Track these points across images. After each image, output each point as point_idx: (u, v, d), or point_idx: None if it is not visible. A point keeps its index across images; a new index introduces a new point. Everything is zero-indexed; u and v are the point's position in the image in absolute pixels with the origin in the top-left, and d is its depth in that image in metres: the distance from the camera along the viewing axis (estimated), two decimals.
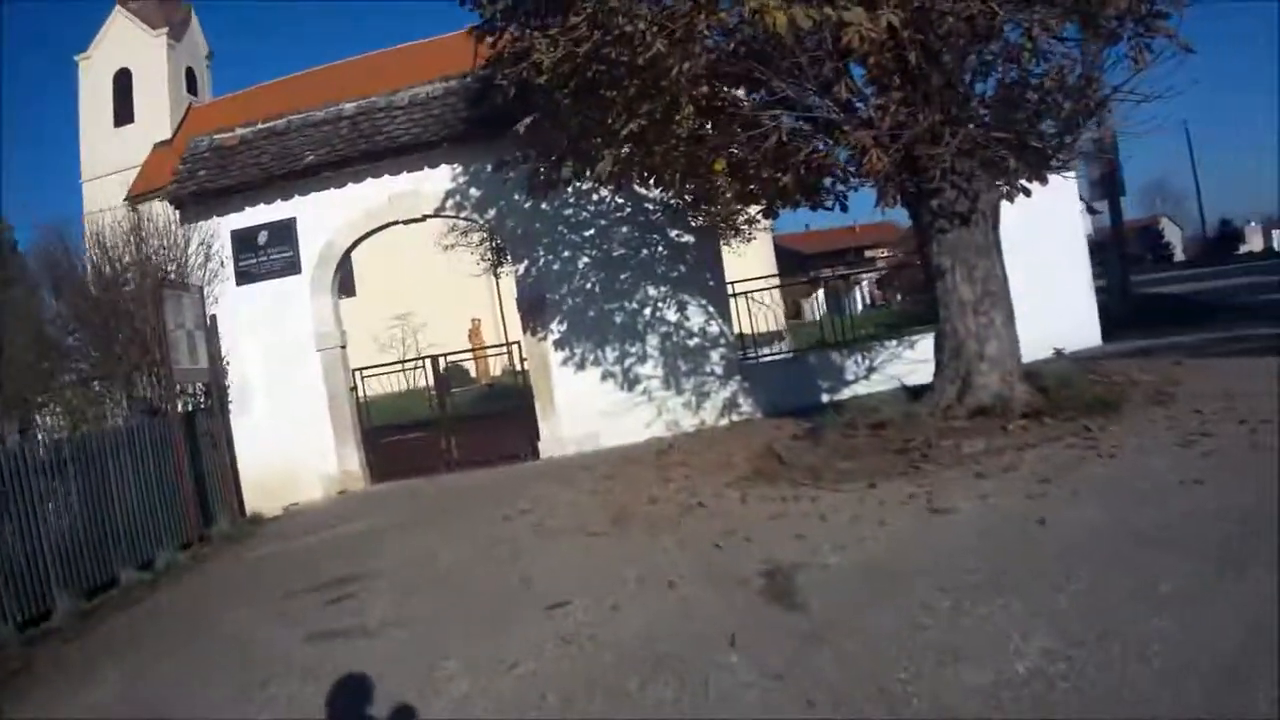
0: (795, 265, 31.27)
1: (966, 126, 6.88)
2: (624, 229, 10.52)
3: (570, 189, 10.30)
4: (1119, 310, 13.27)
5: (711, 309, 10.57)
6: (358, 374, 10.94)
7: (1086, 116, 7.21)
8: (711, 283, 10.64)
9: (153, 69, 32.58)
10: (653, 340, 10.51)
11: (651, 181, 8.30)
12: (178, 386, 9.87)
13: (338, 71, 29.23)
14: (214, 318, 10.92)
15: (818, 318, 26.37)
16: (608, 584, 5.11)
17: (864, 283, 27.51)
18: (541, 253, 10.56)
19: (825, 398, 10.54)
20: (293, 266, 10.77)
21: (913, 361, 9.97)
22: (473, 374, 23.85)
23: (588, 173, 7.86)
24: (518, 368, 11.15)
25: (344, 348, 10.93)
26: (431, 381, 10.94)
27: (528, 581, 5.54)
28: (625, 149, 7.28)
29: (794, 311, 27.76)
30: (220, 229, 10.95)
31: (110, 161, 31.69)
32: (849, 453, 7.19)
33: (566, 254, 10.51)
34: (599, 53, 6.43)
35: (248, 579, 7.43)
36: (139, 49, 33.16)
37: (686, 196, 8.75)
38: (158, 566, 8.14)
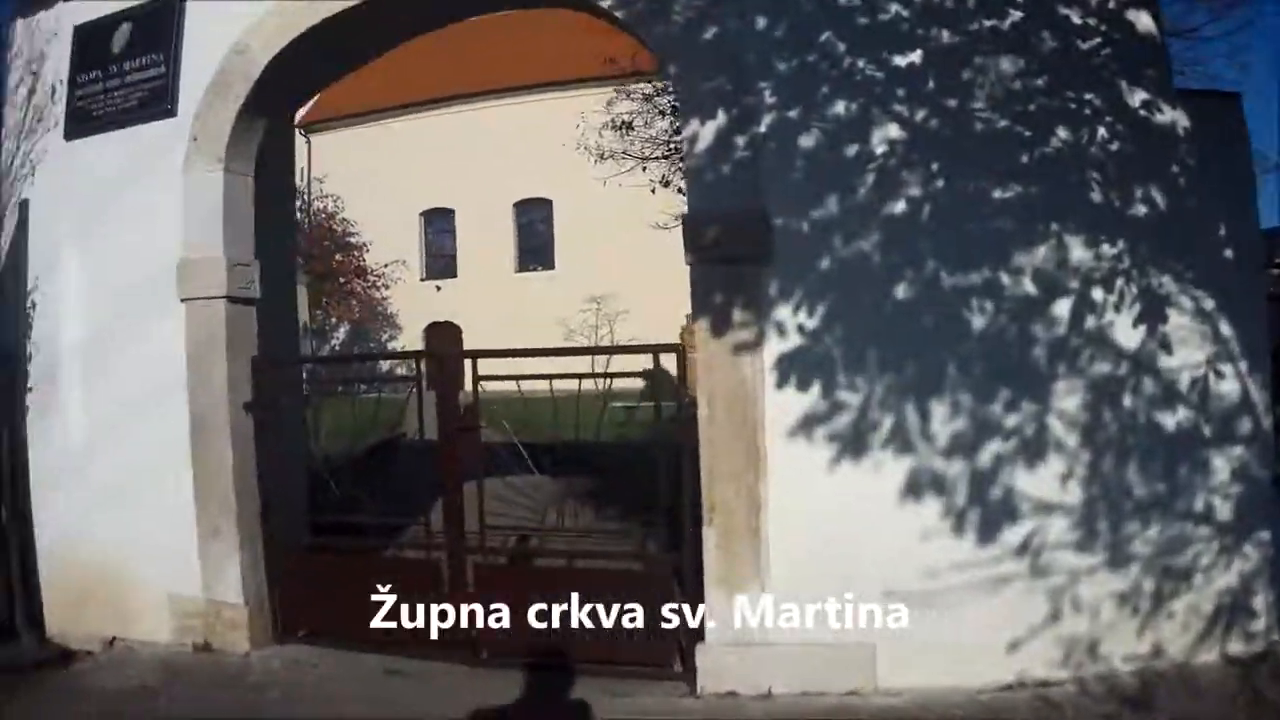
0: None
1: None
2: (1006, 67, 3.56)
3: None
4: None
5: (1229, 329, 3.53)
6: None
7: None
8: (1230, 253, 3.59)
9: None
10: (1069, 395, 3.47)
11: None
12: None
13: None
14: (25, 205, 5.08)
15: None
16: None
17: None
18: (768, 94, 3.59)
19: None
20: (160, 99, 4.50)
21: None
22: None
23: None
24: (672, 406, 4.30)
25: (251, 303, 4.57)
26: (422, 406, 4.31)
27: None
28: None
29: None
30: (61, 26, 4.93)
31: None
32: None
33: (840, 110, 3.55)
34: None
35: None
36: None
37: None
38: None
